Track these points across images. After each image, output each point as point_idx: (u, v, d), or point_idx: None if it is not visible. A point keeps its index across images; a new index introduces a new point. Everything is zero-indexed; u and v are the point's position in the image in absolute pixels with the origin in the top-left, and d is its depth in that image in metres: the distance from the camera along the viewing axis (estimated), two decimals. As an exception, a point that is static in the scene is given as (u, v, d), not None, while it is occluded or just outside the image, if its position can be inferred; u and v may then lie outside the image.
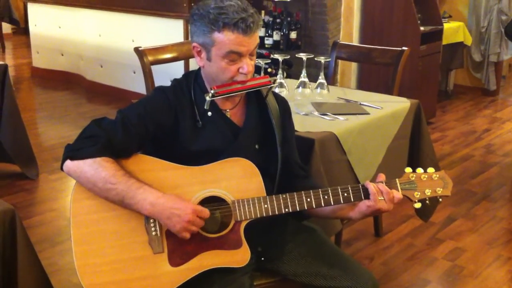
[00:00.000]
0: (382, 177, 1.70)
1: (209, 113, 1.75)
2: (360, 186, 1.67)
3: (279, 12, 4.80)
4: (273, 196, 1.68)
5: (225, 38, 1.63)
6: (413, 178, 1.69)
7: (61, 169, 1.65)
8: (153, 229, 1.62)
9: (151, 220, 1.62)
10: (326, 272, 1.76)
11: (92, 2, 5.88)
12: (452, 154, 4.54)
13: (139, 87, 5.41)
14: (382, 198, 1.64)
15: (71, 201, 1.62)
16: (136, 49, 2.85)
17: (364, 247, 3.09)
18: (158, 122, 1.70)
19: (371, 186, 1.65)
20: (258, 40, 1.69)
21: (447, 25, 5.57)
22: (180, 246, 1.63)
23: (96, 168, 1.57)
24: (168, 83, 1.82)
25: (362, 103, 2.70)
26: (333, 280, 1.75)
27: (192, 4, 5.01)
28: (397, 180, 1.69)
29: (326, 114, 2.50)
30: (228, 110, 1.80)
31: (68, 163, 1.62)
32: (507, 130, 5.21)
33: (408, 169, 1.71)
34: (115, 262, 1.61)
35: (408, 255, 3.02)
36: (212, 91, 1.68)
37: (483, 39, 6.12)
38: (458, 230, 3.29)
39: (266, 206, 1.66)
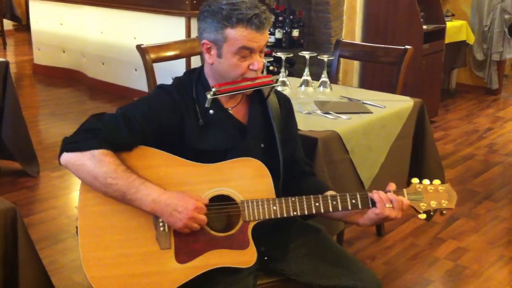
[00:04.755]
0: (392, 186, 1.72)
1: (211, 111, 1.73)
2: (369, 194, 1.69)
3: (282, 10, 4.79)
4: (282, 198, 1.67)
5: (238, 34, 1.63)
6: (420, 189, 1.72)
7: (59, 161, 1.62)
8: (161, 224, 1.61)
9: None
10: (330, 272, 1.75)
11: (94, -1, 5.88)
12: (455, 153, 4.53)
13: (141, 84, 5.39)
14: (390, 205, 1.66)
15: (80, 191, 1.61)
16: (138, 47, 2.83)
17: (366, 247, 3.08)
18: (163, 122, 1.69)
19: (375, 195, 1.67)
20: (268, 38, 1.70)
21: (450, 24, 5.55)
22: (187, 244, 1.62)
23: (96, 162, 1.56)
24: (170, 81, 1.81)
25: (365, 102, 2.69)
26: (337, 280, 1.74)
27: (194, 2, 4.99)
28: (404, 190, 1.72)
29: (329, 113, 2.49)
30: (230, 109, 1.79)
31: (66, 155, 1.59)
32: (509, 129, 5.19)
33: (415, 180, 1.75)
34: (121, 256, 1.60)
35: (410, 254, 3.01)
36: (213, 89, 1.67)
37: (486, 38, 6.10)
38: (461, 230, 3.28)
39: (275, 208, 1.66)
